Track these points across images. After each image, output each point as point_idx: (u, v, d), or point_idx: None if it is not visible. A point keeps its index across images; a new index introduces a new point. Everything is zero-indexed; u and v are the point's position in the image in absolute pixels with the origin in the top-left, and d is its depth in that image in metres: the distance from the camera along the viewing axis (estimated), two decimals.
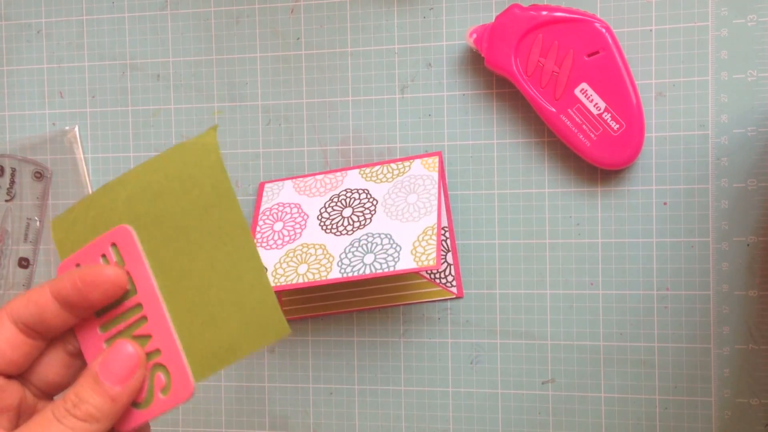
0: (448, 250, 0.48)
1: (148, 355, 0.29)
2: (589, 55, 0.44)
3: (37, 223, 0.54)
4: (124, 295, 0.29)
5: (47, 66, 0.54)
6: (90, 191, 0.53)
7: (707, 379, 0.46)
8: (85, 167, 0.54)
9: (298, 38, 0.51)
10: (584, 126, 0.45)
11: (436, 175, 0.47)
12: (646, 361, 0.47)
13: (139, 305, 0.29)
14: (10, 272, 0.54)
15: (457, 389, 0.49)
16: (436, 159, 0.48)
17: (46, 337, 0.30)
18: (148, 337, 0.29)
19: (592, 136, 0.45)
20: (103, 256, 0.30)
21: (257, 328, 0.29)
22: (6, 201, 0.54)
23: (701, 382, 0.46)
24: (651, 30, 0.46)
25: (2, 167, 0.54)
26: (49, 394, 0.31)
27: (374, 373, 0.50)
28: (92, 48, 0.54)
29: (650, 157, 0.46)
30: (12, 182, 0.54)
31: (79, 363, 0.31)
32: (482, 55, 0.46)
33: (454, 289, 0.49)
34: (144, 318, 0.29)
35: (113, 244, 0.30)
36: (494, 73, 0.47)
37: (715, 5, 0.45)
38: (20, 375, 0.30)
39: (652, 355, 0.47)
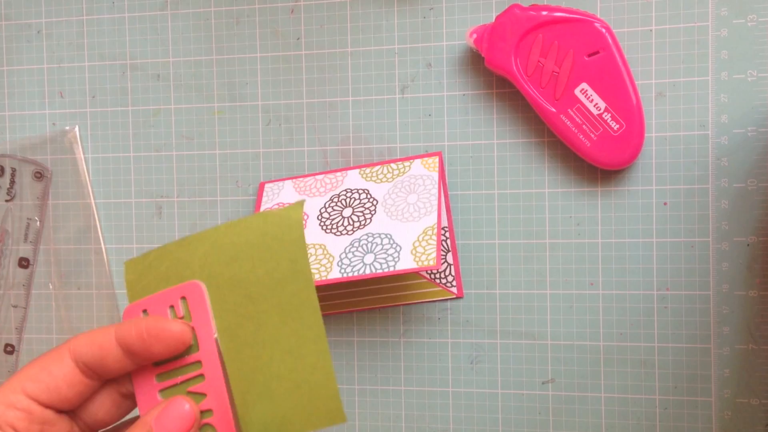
0: (448, 250, 0.48)
1: (201, 413, 0.29)
2: (589, 55, 0.44)
3: (37, 223, 0.54)
4: (187, 349, 0.29)
5: (47, 66, 0.54)
6: (90, 191, 0.54)
7: (707, 379, 0.46)
8: (85, 167, 0.54)
9: (298, 38, 0.51)
10: (584, 126, 0.45)
11: (436, 175, 0.47)
12: (646, 361, 0.47)
13: (198, 362, 0.29)
14: (10, 272, 0.54)
15: (457, 389, 0.49)
16: (436, 159, 0.48)
17: (103, 378, 0.30)
18: (202, 395, 0.29)
19: (592, 136, 0.45)
20: (172, 307, 0.30)
21: (313, 410, 0.29)
22: (6, 201, 0.54)
23: (701, 382, 0.46)
24: (651, 30, 0.46)
25: (2, 167, 0.54)
26: (94, 429, 0.31)
27: (374, 373, 0.50)
28: (92, 48, 0.54)
29: (650, 157, 0.46)
30: (12, 182, 0.54)
31: (129, 404, 0.31)
32: (482, 55, 0.46)
33: (454, 289, 0.49)
34: (201, 376, 0.29)
35: (183, 298, 0.30)
36: (494, 73, 0.47)
37: (715, 5, 0.45)
38: (71, 410, 0.30)
39: (652, 355, 0.47)
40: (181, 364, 0.29)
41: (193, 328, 0.29)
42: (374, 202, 0.47)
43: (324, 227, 0.47)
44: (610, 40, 0.44)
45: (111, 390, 0.31)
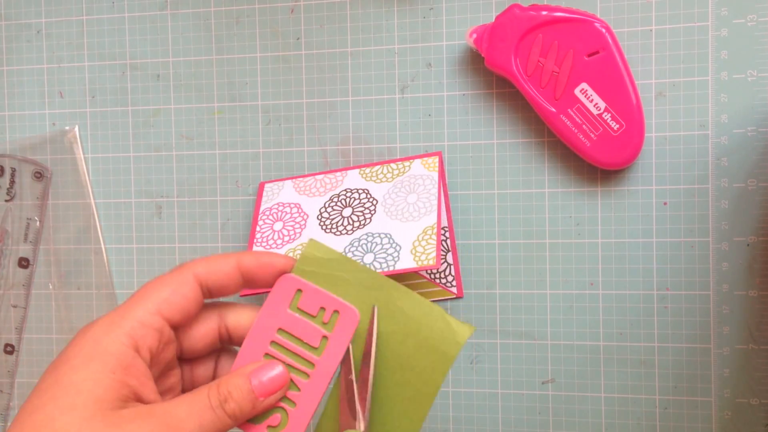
0: (448, 250, 0.48)
1: (287, 400, 0.32)
2: (589, 55, 0.44)
3: (37, 223, 0.54)
4: (311, 348, 0.32)
5: (47, 66, 0.54)
6: (90, 191, 0.54)
7: (707, 379, 0.46)
8: (85, 167, 0.54)
9: (298, 38, 0.51)
10: (584, 126, 0.45)
11: (436, 175, 0.47)
12: (646, 361, 0.47)
13: (312, 364, 0.32)
14: (10, 272, 0.54)
15: (457, 389, 0.49)
16: (436, 159, 0.48)
17: (212, 297, 0.33)
18: (297, 389, 0.32)
19: (592, 136, 0.45)
20: (323, 309, 0.33)
21: None
22: (6, 201, 0.54)
23: (701, 382, 0.46)
24: (651, 30, 0.46)
25: (2, 167, 0.54)
26: (187, 360, 0.34)
27: None
28: (92, 48, 0.54)
29: (650, 157, 0.46)
30: (12, 182, 0.54)
31: (219, 345, 0.34)
32: (482, 55, 0.46)
33: (454, 289, 0.49)
34: (306, 375, 0.32)
35: (336, 311, 0.33)
36: (494, 73, 0.47)
37: (715, 5, 0.45)
38: (179, 331, 0.33)
39: (652, 355, 0.46)
40: (298, 353, 0.32)
41: (328, 338, 0.32)
42: (374, 202, 0.47)
43: (324, 227, 0.47)
44: (610, 40, 0.44)
45: (213, 323, 0.33)
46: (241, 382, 0.31)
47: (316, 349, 0.32)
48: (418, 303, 0.33)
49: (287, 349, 0.33)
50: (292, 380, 0.32)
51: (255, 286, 0.33)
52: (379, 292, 0.33)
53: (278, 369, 0.32)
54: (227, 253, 0.33)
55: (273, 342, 0.33)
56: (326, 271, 0.33)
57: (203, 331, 0.33)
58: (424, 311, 0.33)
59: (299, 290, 0.33)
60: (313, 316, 0.33)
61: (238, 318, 0.34)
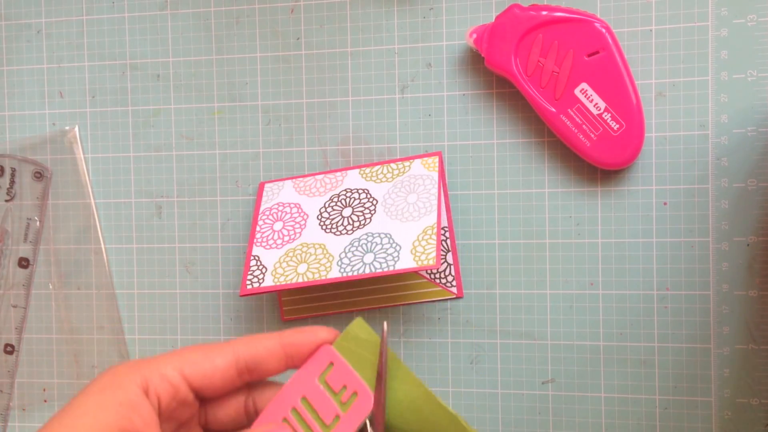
0: (448, 250, 0.48)
1: None
2: (589, 55, 0.44)
3: (37, 223, 0.54)
4: (323, 426, 0.32)
5: (47, 66, 0.54)
6: (90, 191, 0.54)
7: (707, 379, 0.46)
8: (85, 167, 0.54)
9: (298, 38, 0.51)
10: (584, 126, 0.45)
11: (436, 175, 0.47)
12: (646, 361, 0.47)
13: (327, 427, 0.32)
14: (10, 272, 0.54)
15: (457, 389, 0.49)
16: (436, 159, 0.48)
17: (252, 378, 0.33)
18: None
19: (592, 136, 0.45)
20: (345, 386, 0.33)
21: None
22: (6, 201, 0.54)
23: (701, 382, 0.46)
24: (651, 30, 0.46)
25: (2, 167, 0.54)
26: (211, 427, 0.34)
27: None
28: (92, 48, 0.54)
29: (650, 157, 0.46)
30: (12, 182, 0.54)
31: (246, 422, 0.34)
32: (482, 55, 0.46)
33: (454, 289, 0.49)
34: None
35: (355, 393, 0.33)
36: (494, 73, 0.47)
37: (715, 5, 0.45)
38: (206, 403, 0.33)
39: (652, 355, 0.46)
40: (311, 424, 0.32)
41: (339, 417, 0.32)
42: (374, 202, 0.47)
43: (324, 227, 0.47)
44: (610, 40, 0.44)
45: (240, 401, 0.33)
46: None
47: (327, 426, 0.32)
48: (436, 404, 0.33)
49: (303, 420, 0.32)
50: None
51: (297, 359, 0.33)
52: (402, 384, 0.33)
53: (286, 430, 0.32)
54: (271, 333, 0.34)
55: (294, 409, 0.33)
56: (361, 350, 0.33)
57: (229, 402, 0.33)
58: (438, 411, 0.33)
59: (331, 363, 0.33)
60: (335, 393, 0.32)
61: (266, 391, 0.34)
